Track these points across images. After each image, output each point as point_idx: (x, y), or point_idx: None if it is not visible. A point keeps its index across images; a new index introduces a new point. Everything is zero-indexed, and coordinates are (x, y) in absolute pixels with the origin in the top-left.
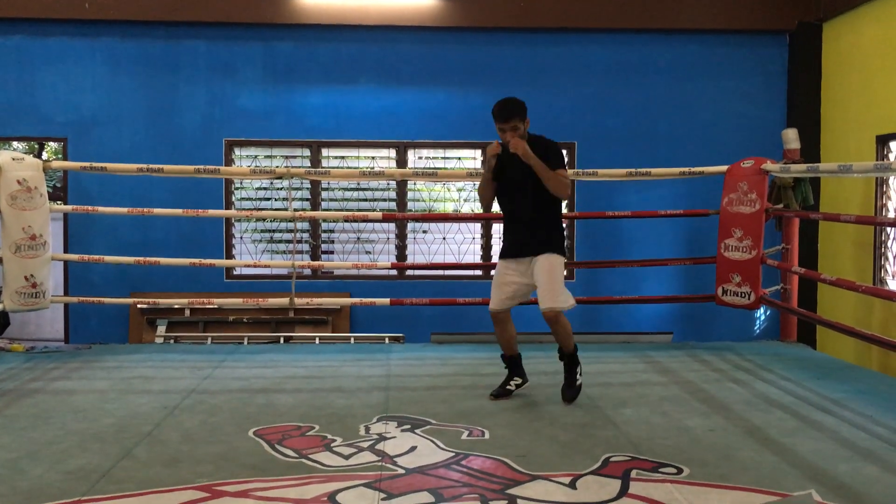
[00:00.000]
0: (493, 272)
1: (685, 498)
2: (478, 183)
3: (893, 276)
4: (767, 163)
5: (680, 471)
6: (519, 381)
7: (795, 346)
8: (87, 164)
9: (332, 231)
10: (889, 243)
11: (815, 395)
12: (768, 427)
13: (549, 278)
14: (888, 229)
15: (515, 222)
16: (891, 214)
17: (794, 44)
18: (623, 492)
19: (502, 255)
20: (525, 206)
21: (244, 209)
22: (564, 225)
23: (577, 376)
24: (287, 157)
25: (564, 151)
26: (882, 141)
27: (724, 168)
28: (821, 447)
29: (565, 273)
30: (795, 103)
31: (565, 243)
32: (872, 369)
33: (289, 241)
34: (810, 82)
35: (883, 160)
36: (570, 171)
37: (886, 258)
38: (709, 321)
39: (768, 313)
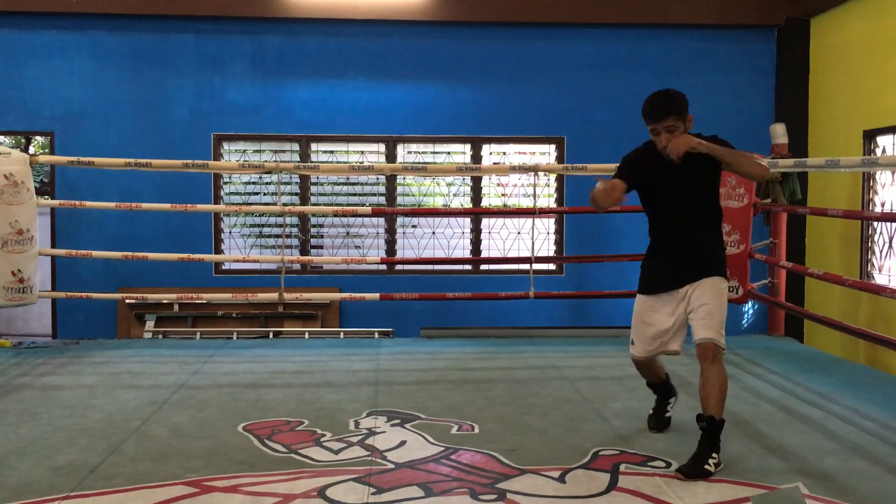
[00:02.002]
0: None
1: (673, 491)
2: (469, 178)
3: (880, 271)
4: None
5: (668, 464)
6: (671, 400)
7: (783, 339)
8: (74, 158)
9: (321, 226)
10: (876, 238)
11: (803, 389)
12: (756, 420)
13: (720, 305)
14: (875, 224)
15: (670, 242)
16: (877, 209)
17: (783, 39)
18: (612, 485)
19: (652, 289)
20: (687, 220)
21: (233, 204)
22: (553, 219)
23: (710, 459)
24: (276, 152)
25: (553, 147)
26: (869, 136)
27: None
28: (808, 440)
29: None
30: (783, 98)
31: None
32: (859, 363)
33: (278, 236)
34: (798, 77)
35: (870, 155)
36: (559, 166)
37: (873, 252)
38: None
39: (756, 307)
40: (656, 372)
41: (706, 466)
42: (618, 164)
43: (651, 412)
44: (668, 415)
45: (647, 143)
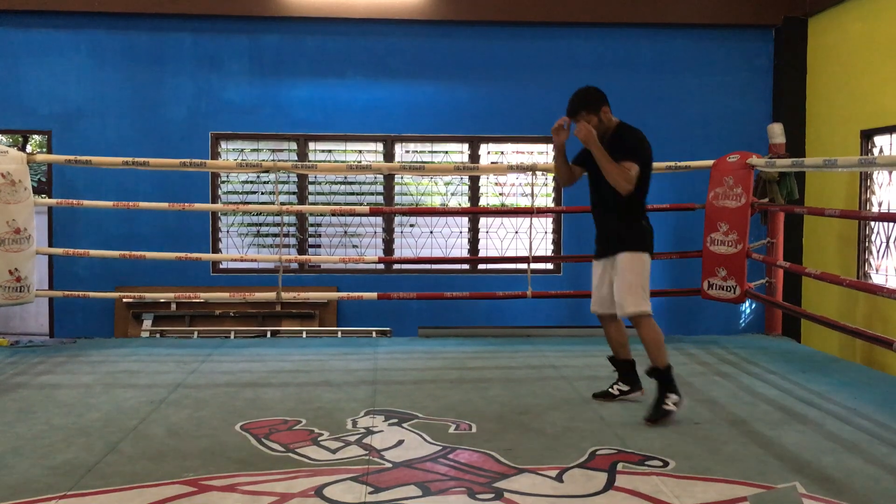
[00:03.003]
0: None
1: (671, 490)
2: (467, 177)
3: (877, 270)
4: (753, 157)
5: (666, 464)
6: (625, 388)
7: (780, 339)
8: (71, 157)
9: (319, 225)
10: (873, 238)
11: (800, 388)
12: (753, 420)
13: (623, 278)
14: (872, 224)
15: (596, 219)
16: (875, 209)
17: (780, 39)
18: (609, 485)
19: (595, 255)
20: (604, 201)
21: (231, 203)
22: (551, 219)
23: (667, 400)
24: (274, 151)
25: (551, 146)
26: (866, 136)
27: (709, 162)
28: (805, 440)
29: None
30: (781, 98)
31: (647, 238)
32: (856, 362)
33: (276, 235)
34: (796, 77)
35: (867, 155)
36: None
37: (870, 252)
38: (695, 315)
39: (753, 307)
40: (613, 338)
41: (665, 406)
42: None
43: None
44: (612, 392)
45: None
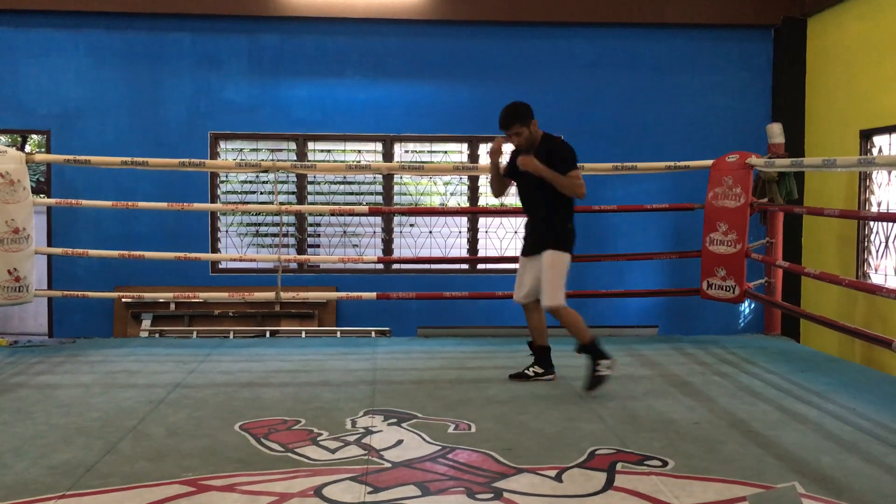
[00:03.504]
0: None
1: (670, 490)
2: (466, 177)
3: (876, 270)
4: (752, 157)
5: (665, 463)
6: (540, 370)
7: (779, 339)
8: (70, 157)
9: (318, 225)
10: (872, 237)
11: (799, 388)
12: (752, 420)
13: (547, 275)
14: (871, 223)
15: (528, 221)
16: (874, 209)
17: (779, 39)
18: (609, 484)
19: (521, 252)
20: (535, 206)
21: (230, 203)
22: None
23: (598, 367)
24: (273, 151)
25: None
26: (866, 136)
27: (709, 162)
28: (804, 439)
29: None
30: (780, 98)
31: (571, 240)
32: (855, 362)
33: (275, 235)
34: (795, 77)
35: (866, 155)
36: None
37: (869, 252)
38: (694, 315)
39: (753, 307)
40: (533, 329)
41: (598, 373)
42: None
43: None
44: (528, 373)
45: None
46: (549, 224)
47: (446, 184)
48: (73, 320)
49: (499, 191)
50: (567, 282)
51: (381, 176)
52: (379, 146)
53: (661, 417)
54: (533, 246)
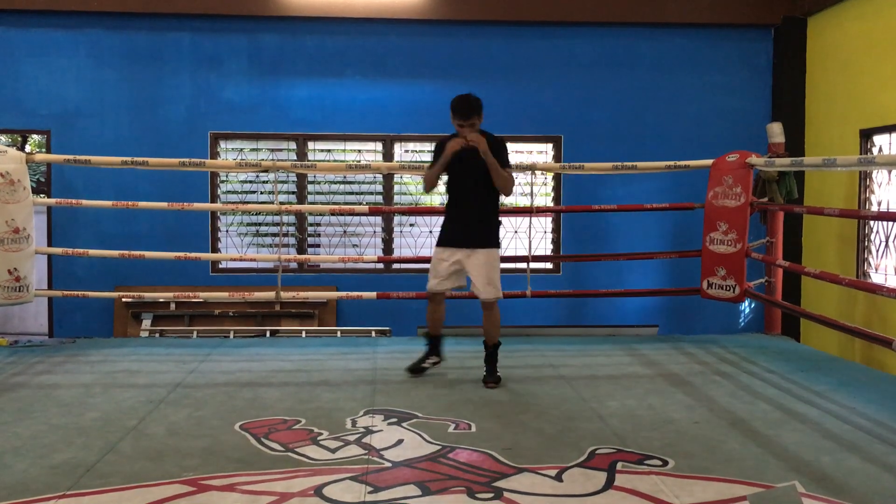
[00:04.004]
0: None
1: (670, 490)
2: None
3: (876, 270)
4: (752, 156)
5: (665, 463)
6: (436, 360)
7: (779, 338)
8: (70, 156)
9: (318, 224)
10: (872, 237)
11: (799, 388)
12: (752, 419)
13: (489, 270)
14: (871, 223)
15: (461, 213)
16: (874, 208)
17: (779, 38)
18: (609, 484)
19: (442, 243)
20: (472, 200)
21: (230, 202)
22: (550, 218)
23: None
24: (273, 151)
25: (550, 146)
26: (866, 135)
27: (709, 162)
28: (804, 439)
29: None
30: (780, 97)
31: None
32: (855, 361)
33: (275, 235)
34: (795, 76)
35: (866, 154)
36: (556, 165)
37: (869, 251)
38: (694, 314)
39: (753, 306)
40: (437, 320)
41: (498, 374)
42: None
43: (415, 361)
44: (424, 366)
45: (451, 136)
46: (488, 220)
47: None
48: (73, 320)
49: (435, 184)
50: (561, 281)
51: (381, 176)
52: (379, 146)
53: (661, 417)
54: (467, 240)
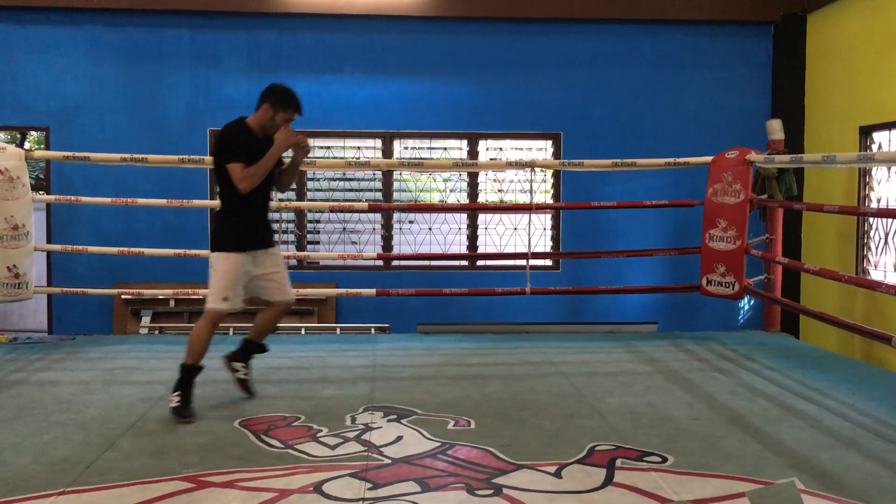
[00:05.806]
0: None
1: (670, 486)
2: (466, 174)
3: (876, 266)
4: (752, 153)
5: (664, 459)
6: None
7: (779, 335)
8: (70, 153)
9: (317, 221)
10: (871, 234)
11: (798, 384)
12: (752, 416)
13: (284, 271)
14: (871, 219)
15: (253, 213)
16: (873, 205)
17: (779, 35)
18: (608, 480)
19: (244, 247)
20: (266, 200)
21: None
22: (550, 215)
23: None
24: None
25: (549, 142)
26: (865, 132)
27: (708, 159)
28: (803, 435)
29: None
30: (780, 94)
31: None
32: (855, 358)
33: (274, 232)
34: (794, 73)
35: (866, 151)
36: (555, 162)
37: (869, 248)
38: (693, 311)
39: (752, 303)
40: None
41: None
42: (235, 151)
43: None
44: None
45: (238, 123)
46: (268, 218)
47: (446, 180)
48: (72, 317)
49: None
50: (561, 278)
51: (380, 172)
52: (378, 143)
53: (660, 414)
54: (265, 240)
